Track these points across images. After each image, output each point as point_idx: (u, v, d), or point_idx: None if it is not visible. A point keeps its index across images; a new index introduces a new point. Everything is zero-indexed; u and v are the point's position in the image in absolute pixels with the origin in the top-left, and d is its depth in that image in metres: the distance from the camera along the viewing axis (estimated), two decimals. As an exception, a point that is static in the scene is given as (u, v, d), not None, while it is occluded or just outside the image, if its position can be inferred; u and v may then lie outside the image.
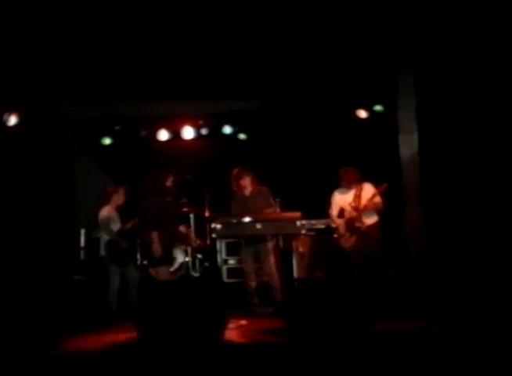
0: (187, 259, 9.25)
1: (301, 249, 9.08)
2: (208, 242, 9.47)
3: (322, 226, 8.91)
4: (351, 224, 7.83)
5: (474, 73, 7.97)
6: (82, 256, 9.76)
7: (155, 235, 7.83)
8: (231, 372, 5.00)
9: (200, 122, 10.34)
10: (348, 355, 5.23)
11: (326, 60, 8.73)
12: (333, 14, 7.49)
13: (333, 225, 8.22)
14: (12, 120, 8.82)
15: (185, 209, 9.49)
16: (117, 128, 10.31)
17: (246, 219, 7.81)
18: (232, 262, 9.19)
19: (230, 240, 9.10)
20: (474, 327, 6.16)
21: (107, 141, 10.43)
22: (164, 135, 10.30)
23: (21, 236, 8.73)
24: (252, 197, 8.00)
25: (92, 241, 9.36)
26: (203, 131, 10.42)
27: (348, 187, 7.93)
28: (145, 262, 8.46)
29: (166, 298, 5.92)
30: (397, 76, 8.93)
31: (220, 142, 10.55)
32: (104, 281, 7.93)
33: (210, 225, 9.04)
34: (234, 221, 7.87)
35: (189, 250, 9.29)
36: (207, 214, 9.38)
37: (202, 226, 9.55)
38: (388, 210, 7.98)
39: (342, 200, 7.97)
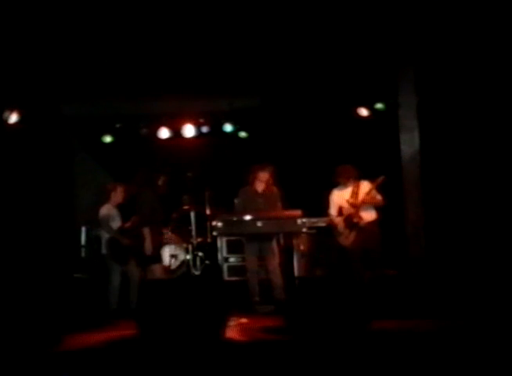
0: (188, 257, 9.26)
1: (301, 247, 9.08)
2: (209, 240, 9.47)
3: (323, 224, 8.89)
4: (350, 220, 7.83)
5: (474, 71, 7.98)
6: (83, 254, 9.76)
7: (146, 231, 7.84)
8: (231, 370, 5.00)
9: (201, 120, 10.33)
10: (348, 353, 5.23)
11: (327, 58, 8.72)
12: (334, 12, 7.48)
13: (333, 224, 8.21)
14: (13, 118, 8.81)
15: (185, 207, 9.51)
16: (118, 126, 10.29)
17: (247, 217, 7.81)
18: (232, 259, 9.19)
19: (231, 238, 9.10)
20: (474, 325, 6.16)
21: (108, 139, 10.42)
22: (164, 133, 10.29)
23: (22, 234, 8.74)
24: (264, 195, 8.01)
25: (93, 239, 9.35)
26: (204, 130, 10.41)
27: (346, 184, 7.94)
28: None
29: (167, 296, 5.93)
30: (398, 74, 8.94)
31: (221, 140, 10.54)
32: (105, 279, 7.93)
33: (211, 223, 9.08)
34: (235, 219, 7.88)
35: (190, 248, 9.30)
36: (207, 211, 9.38)
37: (203, 224, 9.56)
38: (388, 208, 7.98)
39: (340, 197, 7.98)
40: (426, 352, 5.18)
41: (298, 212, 7.84)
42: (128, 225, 7.96)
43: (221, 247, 9.22)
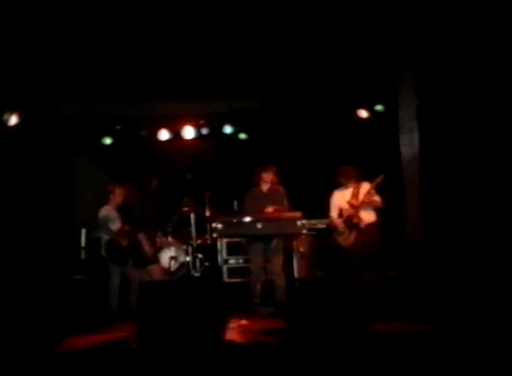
0: (188, 259, 9.25)
1: (301, 249, 9.09)
2: (209, 241, 9.47)
3: (323, 226, 8.90)
4: (350, 221, 7.84)
5: (474, 72, 7.98)
6: (83, 256, 9.76)
7: (142, 236, 7.84)
8: (232, 372, 5.00)
9: (201, 122, 10.33)
10: (348, 354, 5.23)
11: (327, 60, 8.73)
12: (334, 14, 7.49)
13: (333, 225, 8.21)
14: (13, 120, 8.81)
15: (185, 209, 9.50)
16: (118, 127, 10.29)
17: (247, 219, 7.81)
18: (232, 261, 9.19)
19: (231, 240, 9.11)
20: (474, 326, 6.16)
21: (108, 141, 10.42)
22: (164, 134, 10.28)
23: (22, 236, 8.74)
24: (269, 194, 8.02)
25: (93, 241, 9.35)
26: (204, 131, 10.40)
27: (346, 185, 7.95)
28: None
29: (167, 297, 5.92)
30: (398, 75, 8.94)
31: (220, 142, 10.55)
32: (105, 281, 7.93)
33: (210, 224, 9.07)
34: (235, 220, 7.87)
35: (190, 250, 9.30)
36: (207, 213, 9.37)
37: (203, 226, 9.56)
38: (388, 209, 7.98)
39: (340, 198, 7.98)
40: (426, 354, 5.18)
41: (298, 214, 7.83)
42: (127, 227, 7.96)
43: (221, 248, 9.23)
